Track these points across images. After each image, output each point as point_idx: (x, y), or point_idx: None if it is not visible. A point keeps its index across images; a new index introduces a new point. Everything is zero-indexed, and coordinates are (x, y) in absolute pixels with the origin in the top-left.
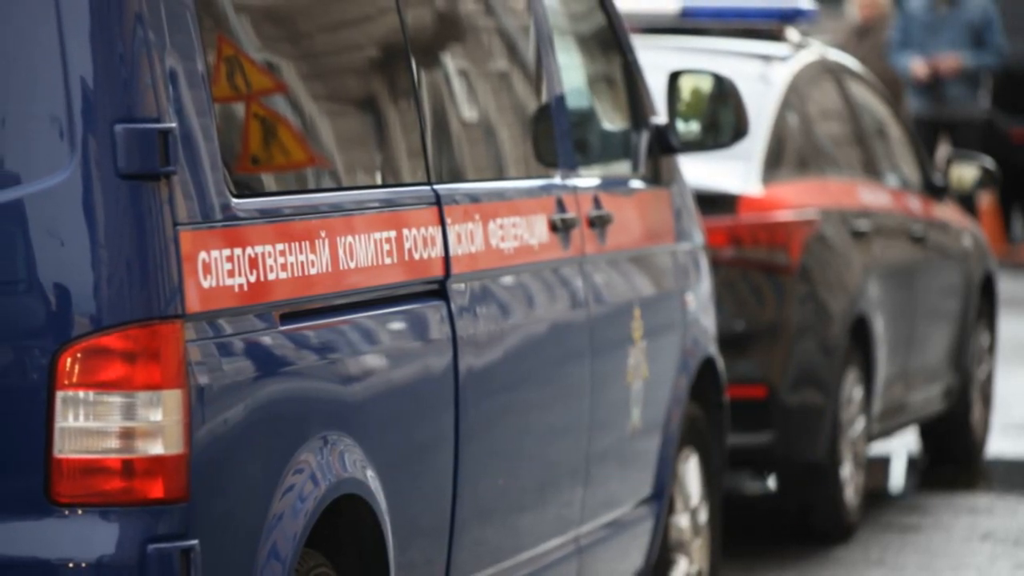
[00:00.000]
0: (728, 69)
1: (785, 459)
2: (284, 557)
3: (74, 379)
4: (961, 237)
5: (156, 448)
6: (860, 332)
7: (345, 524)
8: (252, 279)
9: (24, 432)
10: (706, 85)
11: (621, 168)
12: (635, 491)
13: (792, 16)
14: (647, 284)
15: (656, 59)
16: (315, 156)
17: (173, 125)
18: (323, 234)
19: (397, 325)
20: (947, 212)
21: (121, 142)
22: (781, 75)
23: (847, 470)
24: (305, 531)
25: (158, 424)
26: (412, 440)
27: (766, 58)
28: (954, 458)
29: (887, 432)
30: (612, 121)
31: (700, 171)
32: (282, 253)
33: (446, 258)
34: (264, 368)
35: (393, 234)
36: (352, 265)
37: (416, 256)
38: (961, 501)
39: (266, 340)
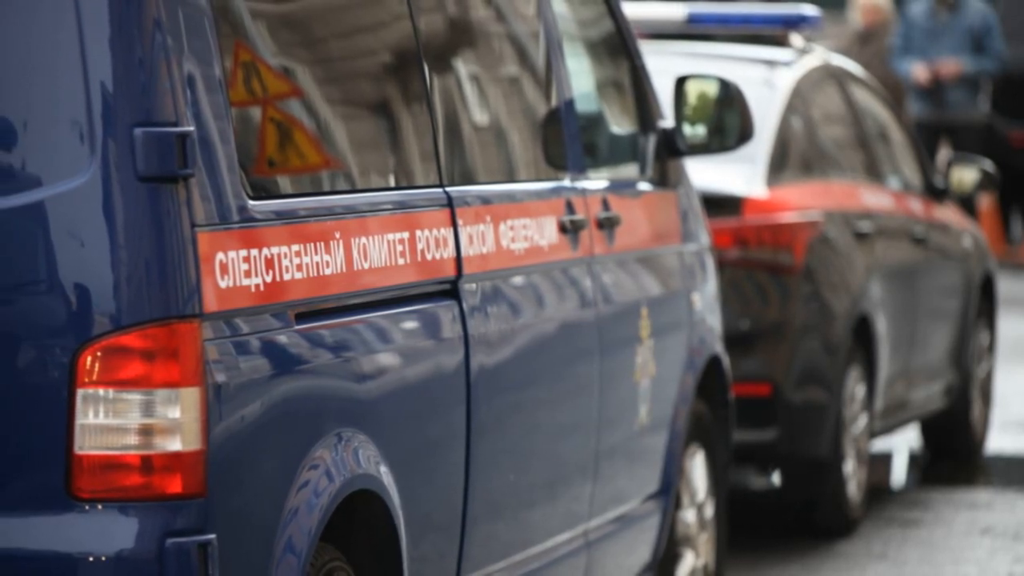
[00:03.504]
0: (733, 74)
1: (789, 455)
2: (299, 551)
3: (94, 377)
4: (961, 238)
5: (174, 444)
6: (863, 331)
7: (359, 519)
8: (268, 279)
9: (45, 429)
10: (712, 89)
11: (629, 171)
12: (642, 487)
13: (796, 22)
14: (654, 284)
15: (663, 64)
16: (330, 159)
17: (191, 128)
18: (338, 235)
19: (410, 324)
20: (948, 214)
21: (140, 145)
22: (785, 80)
23: (850, 466)
24: (320, 526)
25: (176, 421)
26: (425, 436)
27: (770, 63)
28: (954, 454)
29: (889, 429)
30: (620, 125)
31: (706, 174)
32: (297, 254)
33: (458, 259)
34: (280, 366)
35: (406, 235)
36: (366, 265)
37: (428, 257)
38: (961, 496)
39: (282, 339)
